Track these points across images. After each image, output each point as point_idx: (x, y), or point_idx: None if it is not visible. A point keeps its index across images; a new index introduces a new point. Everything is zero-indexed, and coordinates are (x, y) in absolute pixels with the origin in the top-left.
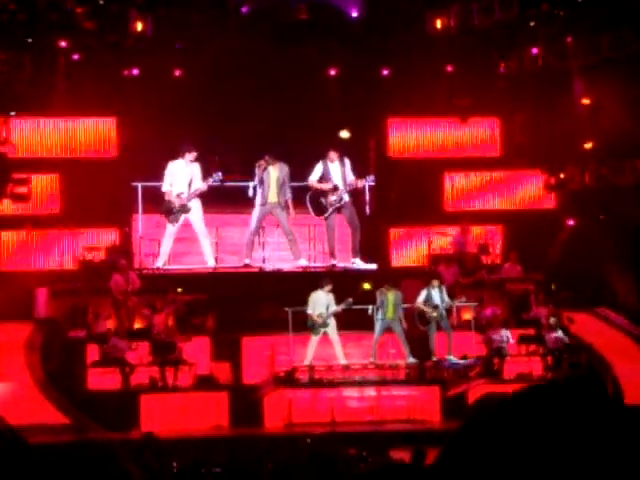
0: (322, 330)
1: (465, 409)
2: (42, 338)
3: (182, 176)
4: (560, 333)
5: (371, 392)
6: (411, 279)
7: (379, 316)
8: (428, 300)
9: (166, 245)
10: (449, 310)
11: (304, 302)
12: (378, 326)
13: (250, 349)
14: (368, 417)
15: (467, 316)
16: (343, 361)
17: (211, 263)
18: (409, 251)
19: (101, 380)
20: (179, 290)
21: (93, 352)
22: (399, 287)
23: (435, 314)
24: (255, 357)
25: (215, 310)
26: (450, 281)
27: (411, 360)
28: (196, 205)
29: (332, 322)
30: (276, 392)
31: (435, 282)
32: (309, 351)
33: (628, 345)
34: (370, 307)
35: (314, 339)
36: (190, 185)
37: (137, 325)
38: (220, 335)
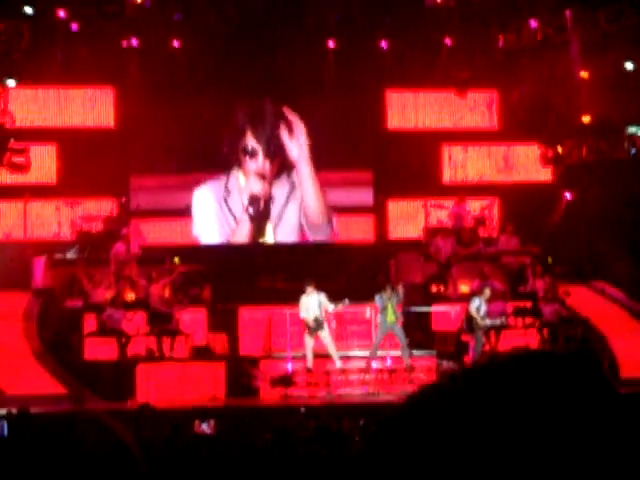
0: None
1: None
2: (39, 308)
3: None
4: (557, 306)
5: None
6: (408, 252)
7: (380, 319)
8: (479, 309)
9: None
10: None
11: (301, 274)
12: (380, 329)
13: (247, 320)
14: (364, 389)
15: (465, 289)
16: (339, 363)
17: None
18: (406, 224)
19: (98, 350)
20: (176, 260)
21: (90, 322)
22: (396, 289)
23: (483, 324)
24: (252, 328)
25: (212, 281)
26: (447, 253)
27: (408, 362)
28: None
29: (325, 324)
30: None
31: (487, 292)
32: (308, 354)
33: (624, 318)
34: (367, 309)
35: (310, 341)
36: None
37: (134, 295)
38: (217, 306)
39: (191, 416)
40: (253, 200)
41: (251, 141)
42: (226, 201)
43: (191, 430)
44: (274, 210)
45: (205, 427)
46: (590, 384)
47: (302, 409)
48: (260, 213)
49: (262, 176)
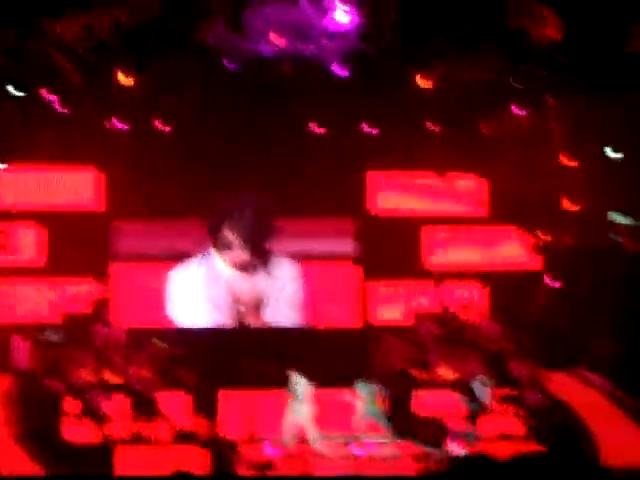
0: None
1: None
2: (20, 390)
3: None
4: (540, 393)
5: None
6: (390, 337)
7: (361, 406)
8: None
9: None
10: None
11: (283, 358)
12: (362, 416)
13: (229, 404)
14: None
15: (447, 374)
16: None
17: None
18: (389, 308)
19: (78, 432)
20: (157, 342)
21: (70, 404)
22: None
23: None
24: (235, 412)
25: (195, 364)
26: (426, 338)
27: (392, 450)
28: None
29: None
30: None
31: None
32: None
33: (608, 407)
34: (347, 394)
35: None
36: None
37: (116, 378)
38: (200, 389)
39: None
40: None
41: (228, 233)
42: (206, 286)
43: None
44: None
45: None
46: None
47: None
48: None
49: (241, 266)
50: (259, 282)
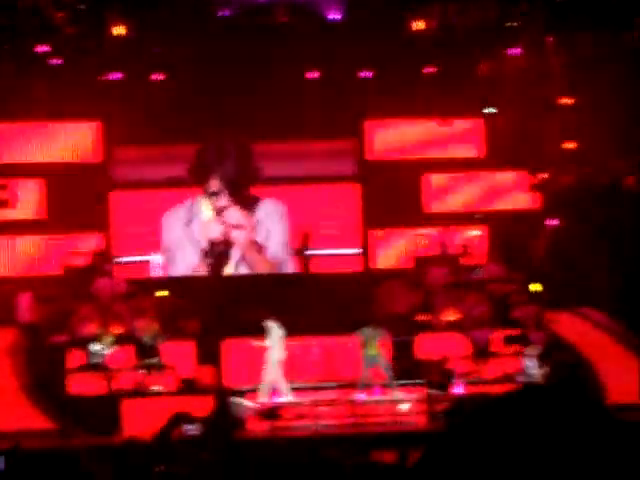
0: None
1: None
2: (26, 343)
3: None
4: (544, 333)
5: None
6: (394, 280)
7: (364, 353)
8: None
9: None
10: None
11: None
12: (365, 362)
13: (233, 353)
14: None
15: (451, 317)
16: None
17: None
18: (390, 253)
19: (84, 384)
20: (162, 293)
21: (75, 357)
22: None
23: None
24: (237, 360)
25: (199, 313)
26: (440, 282)
27: (395, 394)
28: None
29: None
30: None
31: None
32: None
33: (611, 345)
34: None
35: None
36: None
37: (120, 329)
38: (204, 338)
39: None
40: (212, 247)
41: (214, 182)
42: (188, 227)
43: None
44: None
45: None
46: (579, 410)
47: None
48: (218, 261)
49: (222, 213)
50: (237, 230)
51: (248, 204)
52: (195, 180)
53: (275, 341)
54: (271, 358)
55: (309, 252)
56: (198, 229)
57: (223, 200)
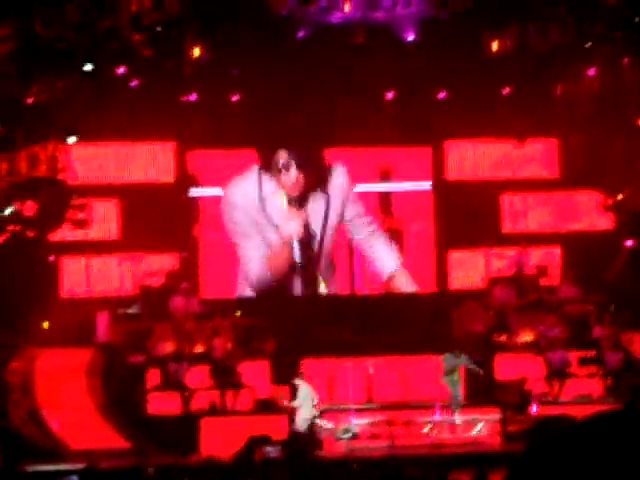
0: None
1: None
2: (103, 363)
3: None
4: (621, 354)
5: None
6: (470, 300)
7: (447, 380)
8: None
9: None
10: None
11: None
12: (453, 391)
13: (309, 372)
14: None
15: (527, 337)
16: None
17: None
18: (467, 273)
19: (161, 404)
20: (238, 313)
21: (153, 376)
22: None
23: None
24: (314, 380)
25: (274, 333)
26: (505, 302)
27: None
28: None
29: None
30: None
31: None
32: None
33: None
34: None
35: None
36: None
37: (197, 349)
38: (280, 358)
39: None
40: (301, 246)
41: (283, 156)
42: (264, 209)
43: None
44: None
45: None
46: None
47: (354, 465)
48: (307, 255)
49: (295, 190)
50: (310, 216)
51: (321, 176)
52: (262, 155)
53: (303, 400)
54: (299, 418)
55: None
56: (278, 219)
57: (295, 174)
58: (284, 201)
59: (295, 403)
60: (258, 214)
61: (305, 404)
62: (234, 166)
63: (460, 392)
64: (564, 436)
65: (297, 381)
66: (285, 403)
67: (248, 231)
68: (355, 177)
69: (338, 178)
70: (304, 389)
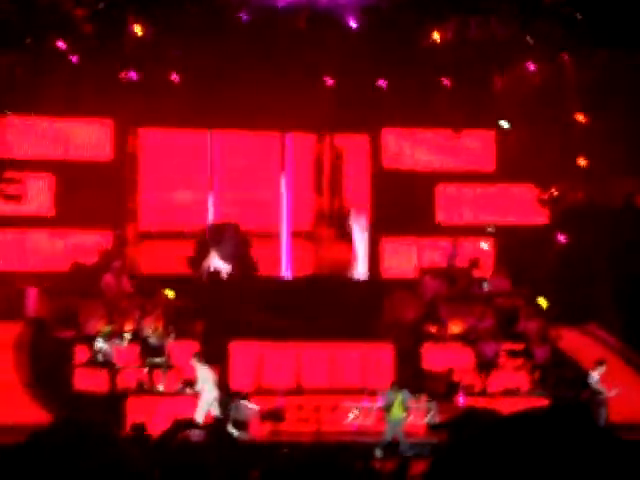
0: None
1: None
2: (31, 338)
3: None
4: (548, 348)
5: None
6: (401, 291)
7: (386, 416)
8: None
9: None
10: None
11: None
12: (388, 427)
13: (238, 355)
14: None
15: (457, 329)
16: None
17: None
18: (400, 262)
19: (88, 381)
20: (169, 293)
21: (82, 353)
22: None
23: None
24: (242, 363)
25: (204, 315)
26: (431, 293)
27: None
28: None
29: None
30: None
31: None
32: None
33: (615, 362)
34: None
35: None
36: None
37: (127, 327)
38: (208, 340)
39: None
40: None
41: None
42: None
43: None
44: None
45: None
46: (584, 434)
47: (285, 449)
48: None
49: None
50: None
51: None
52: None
53: (203, 382)
54: (203, 401)
55: None
56: None
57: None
58: None
59: (196, 388)
60: None
61: (207, 386)
62: (172, 146)
63: (399, 430)
64: (488, 431)
65: (193, 363)
66: (188, 391)
67: None
68: (298, 161)
69: None
70: (202, 371)
